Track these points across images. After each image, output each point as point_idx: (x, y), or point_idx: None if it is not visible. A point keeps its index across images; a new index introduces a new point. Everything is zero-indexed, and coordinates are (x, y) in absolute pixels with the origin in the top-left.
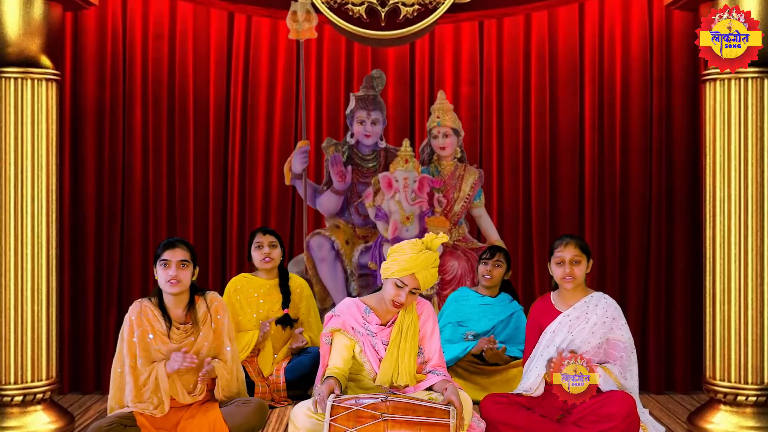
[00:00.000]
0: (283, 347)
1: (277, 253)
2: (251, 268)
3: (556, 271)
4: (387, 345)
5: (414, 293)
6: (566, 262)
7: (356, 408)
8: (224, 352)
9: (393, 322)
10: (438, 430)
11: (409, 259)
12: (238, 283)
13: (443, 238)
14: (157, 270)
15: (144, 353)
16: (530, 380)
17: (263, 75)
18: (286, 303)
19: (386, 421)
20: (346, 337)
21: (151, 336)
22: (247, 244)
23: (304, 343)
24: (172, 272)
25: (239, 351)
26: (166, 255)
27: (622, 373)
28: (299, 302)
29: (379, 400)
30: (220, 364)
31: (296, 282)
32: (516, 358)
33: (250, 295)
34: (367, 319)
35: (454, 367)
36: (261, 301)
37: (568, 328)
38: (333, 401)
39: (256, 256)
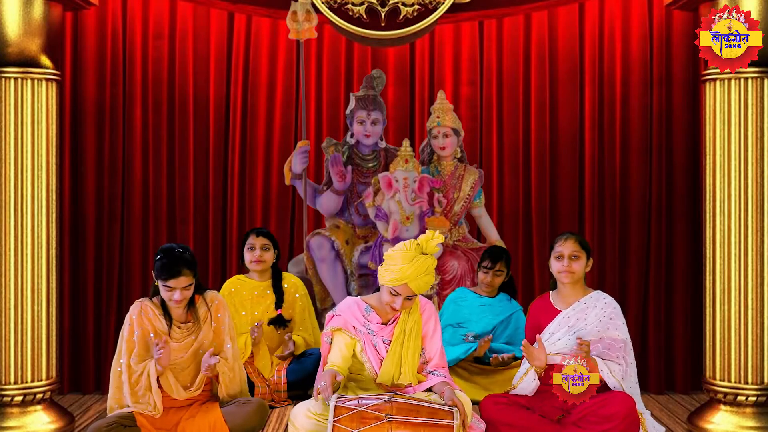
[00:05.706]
0: (278, 348)
1: (269, 255)
2: (244, 269)
3: (554, 266)
4: (387, 344)
5: (410, 299)
6: (565, 257)
7: (360, 409)
8: (225, 350)
9: (394, 321)
10: (442, 431)
11: (400, 269)
12: (232, 285)
13: (439, 238)
14: (160, 286)
15: (141, 351)
16: (519, 374)
17: (263, 75)
18: (279, 303)
19: (390, 422)
20: (347, 335)
21: (151, 335)
22: (241, 244)
23: (290, 350)
24: (177, 296)
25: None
26: (171, 283)
27: (620, 373)
28: (293, 302)
29: (383, 400)
30: (222, 361)
31: (290, 281)
32: (518, 358)
33: (244, 297)
34: (368, 317)
35: (454, 367)
36: (255, 302)
37: (568, 328)
38: (336, 402)
39: (247, 257)
